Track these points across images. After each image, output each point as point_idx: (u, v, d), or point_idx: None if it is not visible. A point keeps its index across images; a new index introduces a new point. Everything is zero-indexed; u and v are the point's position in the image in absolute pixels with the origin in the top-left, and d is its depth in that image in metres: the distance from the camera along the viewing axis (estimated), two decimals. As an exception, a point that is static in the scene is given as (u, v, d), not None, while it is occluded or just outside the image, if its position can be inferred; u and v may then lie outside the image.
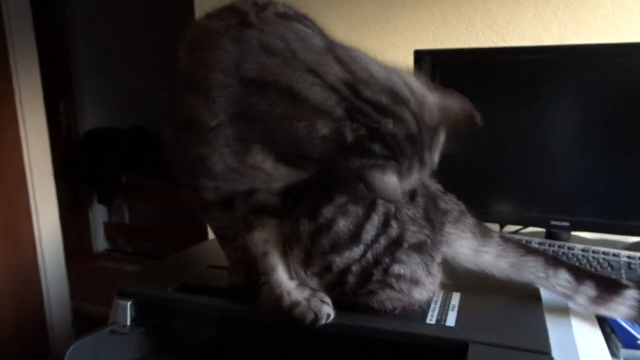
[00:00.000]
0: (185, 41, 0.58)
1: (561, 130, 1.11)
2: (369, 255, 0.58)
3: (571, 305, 0.66)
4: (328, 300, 0.60)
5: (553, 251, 1.07)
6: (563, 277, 0.62)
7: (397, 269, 0.58)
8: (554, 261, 0.63)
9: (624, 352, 0.78)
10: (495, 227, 1.25)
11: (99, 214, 3.26)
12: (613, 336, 0.80)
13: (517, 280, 0.63)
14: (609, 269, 1.00)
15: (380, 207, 0.58)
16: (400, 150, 0.50)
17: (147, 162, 2.72)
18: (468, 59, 1.16)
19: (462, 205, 0.67)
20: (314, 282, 0.61)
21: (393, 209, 0.59)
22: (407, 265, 0.59)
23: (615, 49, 1.04)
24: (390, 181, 0.49)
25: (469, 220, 0.66)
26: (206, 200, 0.63)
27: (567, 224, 1.11)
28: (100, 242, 3.30)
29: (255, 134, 0.51)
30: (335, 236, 0.57)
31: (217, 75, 0.51)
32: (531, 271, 0.63)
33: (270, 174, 0.54)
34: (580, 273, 0.63)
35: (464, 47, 1.29)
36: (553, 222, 1.13)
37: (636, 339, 0.77)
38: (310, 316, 0.58)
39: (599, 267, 1.00)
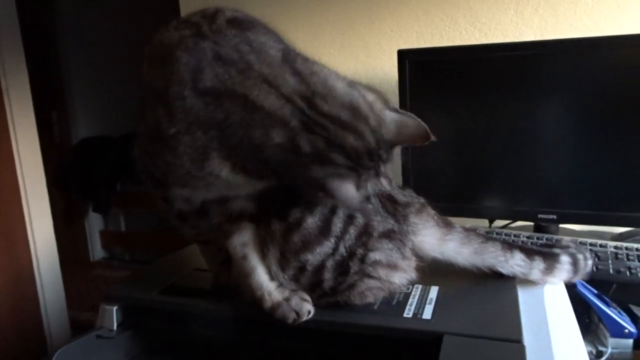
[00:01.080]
0: (145, 56, 0.60)
1: (546, 124, 1.12)
2: (342, 249, 0.59)
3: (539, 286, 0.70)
4: (308, 297, 0.61)
5: (542, 244, 1.08)
6: (519, 257, 0.67)
7: (372, 256, 0.60)
8: (509, 245, 0.68)
9: (612, 341, 0.79)
10: (484, 222, 1.26)
11: (94, 223, 3.26)
12: (601, 325, 0.81)
13: (481, 265, 0.67)
14: (596, 259, 1.01)
15: None
16: (360, 163, 0.52)
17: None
18: (452, 56, 1.17)
19: (422, 199, 0.69)
20: (292, 287, 0.62)
21: None
22: (382, 252, 0.61)
23: (596, 43, 1.05)
24: (350, 190, 0.52)
25: (431, 211, 0.69)
26: (181, 211, 0.64)
27: (554, 217, 1.12)
28: (97, 251, 3.30)
29: (213, 142, 0.53)
30: (305, 232, 0.59)
31: (174, 87, 0.52)
32: (492, 256, 0.67)
33: (229, 181, 0.55)
34: (529, 251, 0.69)
35: (447, 46, 1.30)
36: (541, 216, 1.14)
37: (623, 328, 0.78)
38: (292, 316, 0.60)
39: (586, 259, 1.01)
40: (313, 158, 0.51)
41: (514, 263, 0.67)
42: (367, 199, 0.62)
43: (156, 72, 0.56)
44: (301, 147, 0.50)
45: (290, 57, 0.54)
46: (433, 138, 0.57)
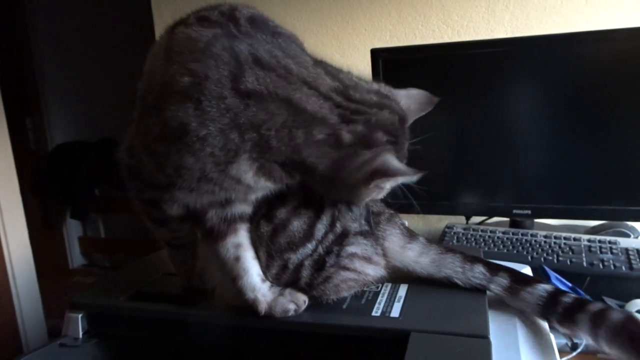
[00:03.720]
0: (160, 48, 0.57)
1: (519, 120, 1.13)
2: (320, 249, 0.61)
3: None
4: (295, 290, 0.62)
5: (517, 239, 1.09)
6: (478, 270, 0.66)
7: (348, 249, 0.62)
8: (472, 258, 0.68)
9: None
10: (461, 219, 1.26)
11: (73, 229, 3.20)
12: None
13: (437, 276, 0.67)
14: (570, 253, 1.02)
15: (328, 209, 0.63)
16: (398, 135, 0.56)
17: (119, 174, 2.69)
18: (425, 54, 1.17)
19: (392, 210, 0.73)
20: (275, 284, 0.63)
21: (337, 212, 0.63)
22: (357, 245, 0.63)
23: (566, 39, 1.07)
24: (397, 162, 0.54)
25: (399, 221, 0.72)
26: (165, 214, 0.63)
27: (528, 211, 1.14)
28: (76, 258, 3.24)
29: (246, 144, 0.52)
30: (291, 234, 0.60)
31: (210, 85, 0.51)
32: (449, 267, 0.67)
33: (248, 184, 0.55)
34: (495, 267, 0.67)
35: (420, 44, 1.31)
36: (516, 211, 1.15)
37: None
38: (292, 306, 0.60)
39: (560, 252, 1.02)
40: (357, 144, 0.53)
41: (472, 275, 0.66)
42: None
43: (181, 69, 0.53)
44: (342, 139, 0.52)
45: (317, 60, 0.58)
46: (436, 99, 0.64)
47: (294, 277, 0.61)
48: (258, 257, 0.62)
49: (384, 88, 0.59)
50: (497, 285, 0.65)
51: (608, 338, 0.57)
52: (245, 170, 0.54)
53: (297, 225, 0.61)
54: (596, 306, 0.59)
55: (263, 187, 0.57)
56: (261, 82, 0.52)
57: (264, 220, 0.61)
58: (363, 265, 0.62)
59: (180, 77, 0.53)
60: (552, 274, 0.87)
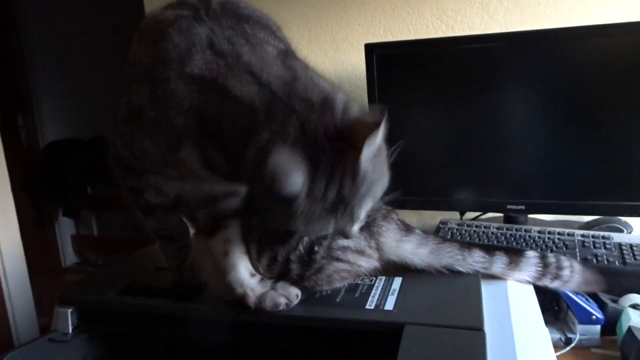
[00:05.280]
0: (136, 31, 0.58)
1: (513, 116, 1.13)
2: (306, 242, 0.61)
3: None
4: (288, 284, 0.61)
5: (511, 234, 1.09)
6: (477, 254, 0.68)
7: (340, 242, 0.61)
8: (468, 244, 0.69)
9: (580, 327, 0.80)
10: (456, 215, 1.26)
11: (65, 228, 3.17)
12: (570, 312, 0.82)
13: (437, 265, 0.68)
14: (564, 248, 1.02)
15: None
16: (317, 140, 0.47)
17: (112, 172, 2.67)
18: (419, 49, 1.17)
19: (389, 207, 0.71)
20: (267, 276, 0.62)
21: None
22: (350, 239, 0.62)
23: (560, 34, 1.06)
24: (287, 160, 0.46)
25: (395, 217, 0.71)
26: (149, 203, 0.62)
27: (522, 207, 1.13)
28: (69, 256, 3.21)
29: (189, 129, 0.51)
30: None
31: (160, 66, 0.51)
32: (449, 255, 0.68)
33: (197, 172, 0.54)
34: (490, 248, 0.70)
35: (414, 39, 1.30)
36: (510, 207, 1.14)
37: (591, 314, 0.79)
38: (282, 300, 0.59)
39: (554, 248, 1.02)
40: (272, 137, 0.47)
41: (472, 260, 0.68)
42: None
43: (146, 49, 0.54)
44: (260, 131, 0.47)
45: (286, 55, 0.53)
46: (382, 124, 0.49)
47: (284, 269, 0.61)
48: (249, 251, 0.61)
49: (340, 100, 0.50)
50: (499, 265, 0.68)
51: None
52: (191, 156, 0.53)
53: None
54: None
55: (211, 177, 0.55)
56: (208, 67, 0.50)
57: (254, 213, 0.61)
58: (356, 257, 0.62)
59: (143, 58, 0.53)
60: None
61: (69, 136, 3.01)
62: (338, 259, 0.61)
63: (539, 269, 0.70)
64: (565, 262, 0.72)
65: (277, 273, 0.62)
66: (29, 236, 2.07)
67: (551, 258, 0.72)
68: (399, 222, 0.71)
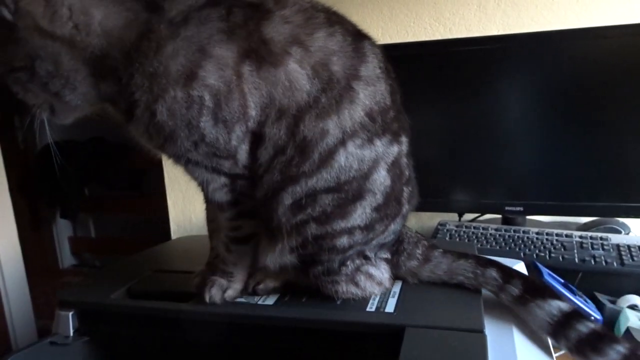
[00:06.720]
0: None
1: (510, 117, 1.13)
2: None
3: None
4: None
5: (509, 236, 1.09)
6: (491, 275, 0.63)
7: (369, 269, 0.65)
8: (486, 262, 0.65)
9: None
10: (454, 216, 1.27)
11: (63, 229, 3.16)
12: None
13: (450, 282, 0.66)
14: (562, 249, 1.02)
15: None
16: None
17: (109, 173, 2.65)
18: (416, 52, 1.17)
19: (419, 235, 0.73)
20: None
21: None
22: (378, 269, 0.65)
23: (557, 36, 1.07)
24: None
25: (423, 241, 0.71)
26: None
27: (520, 208, 1.14)
28: (66, 258, 3.20)
29: None
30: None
31: None
32: (462, 273, 0.65)
33: None
34: (509, 273, 0.62)
35: (412, 41, 1.31)
36: (508, 208, 1.15)
37: (589, 315, 0.79)
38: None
39: (553, 249, 1.02)
40: None
41: (483, 281, 0.63)
42: None
43: None
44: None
45: None
46: None
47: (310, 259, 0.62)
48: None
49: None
50: (507, 294, 0.60)
51: None
52: None
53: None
54: (624, 346, 0.52)
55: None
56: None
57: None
58: (373, 286, 0.63)
59: None
60: (545, 271, 0.87)
61: (66, 137, 3.00)
62: (355, 284, 0.62)
63: (550, 320, 0.58)
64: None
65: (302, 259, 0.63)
66: (27, 238, 2.06)
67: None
68: (424, 246, 0.69)
